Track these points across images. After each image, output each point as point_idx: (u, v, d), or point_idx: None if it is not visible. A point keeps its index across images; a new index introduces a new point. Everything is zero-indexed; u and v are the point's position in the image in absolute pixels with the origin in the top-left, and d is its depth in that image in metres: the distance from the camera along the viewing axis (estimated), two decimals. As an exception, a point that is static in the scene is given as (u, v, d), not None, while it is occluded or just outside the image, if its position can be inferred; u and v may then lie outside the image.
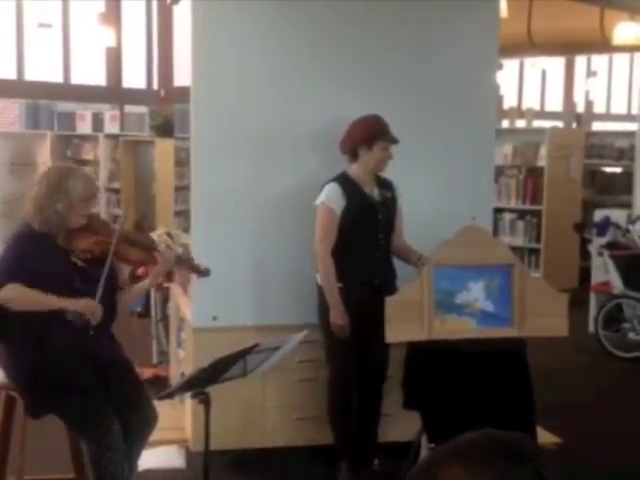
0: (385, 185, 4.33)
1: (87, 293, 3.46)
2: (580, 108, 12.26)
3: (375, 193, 4.28)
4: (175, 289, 5.46)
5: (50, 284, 3.44)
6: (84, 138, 11.22)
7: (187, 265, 3.85)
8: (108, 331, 3.69)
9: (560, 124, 11.83)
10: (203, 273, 3.85)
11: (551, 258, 9.26)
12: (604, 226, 7.57)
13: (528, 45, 11.14)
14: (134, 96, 13.90)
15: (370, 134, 4.17)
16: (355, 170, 4.24)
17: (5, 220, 8.94)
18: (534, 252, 9.42)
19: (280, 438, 4.73)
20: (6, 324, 3.47)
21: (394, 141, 4.24)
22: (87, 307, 3.41)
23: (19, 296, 3.38)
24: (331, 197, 4.18)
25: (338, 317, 4.16)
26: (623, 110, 21.72)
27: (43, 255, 3.49)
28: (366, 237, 4.21)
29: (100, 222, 3.78)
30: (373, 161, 4.21)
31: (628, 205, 8.59)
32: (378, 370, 4.37)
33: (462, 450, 1.19)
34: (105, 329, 3.62)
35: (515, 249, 7.75)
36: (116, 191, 10.58)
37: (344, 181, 4.22)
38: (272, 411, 4.71)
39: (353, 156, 4.24)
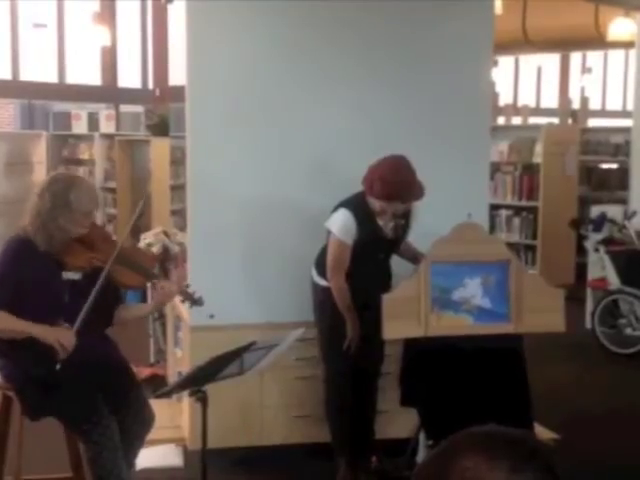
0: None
1: (75, 309, 3.42)
2: (575, 105, 12.25)
3: (389, 227, 4.20)
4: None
5: (39, 296, 3.43)
6: (80, 138, 11.21)
7: (187, 298, 3.80)
8: (102, 335, 3.69)
9: (555, 121, 11.82)
10: (197, 302, 3.78)
11: (547, 254, 9.27)
12: (600, 222, 7.58)
13: (523, 42, 11.16)
14: (129, 95, 13.91)
15: (389, 196, 4.04)
16: (372, 201, 4.12)
17: (1, 220, 8.94)
18: (530, 248, 9.43)
19: (278, 436, 4.73)
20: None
21: (413, 201, 4.18)
22: (57, 339, 3.33)
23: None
24: (344, 230, 4.09)
25: (356, 333, 4.16)
26: (618, 106, 21.76)
27: (36, 266, 3.45)
28: (367, 257, 4.19)
29: (100, 236, 3.65)
30: (389, 209, 4.13)
31: (624, 201, 8.60)
32: (373, 366, 4.37)
33: (479, 440, 1.20)
34: (99, 333, 3.64)
35: (511, 245, 7.74)
36: (112, 190, 10.58)
37: (359, 210, 4.11)
38: (270, 409, 4.71)
39: (371, 195, 4.14)
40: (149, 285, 5.25)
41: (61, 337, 3.34)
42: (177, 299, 4.15)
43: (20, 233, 3.51)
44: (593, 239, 7.54)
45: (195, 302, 3.76)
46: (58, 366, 3.34)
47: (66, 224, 3.46)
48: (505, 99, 16.03)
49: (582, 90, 20.63)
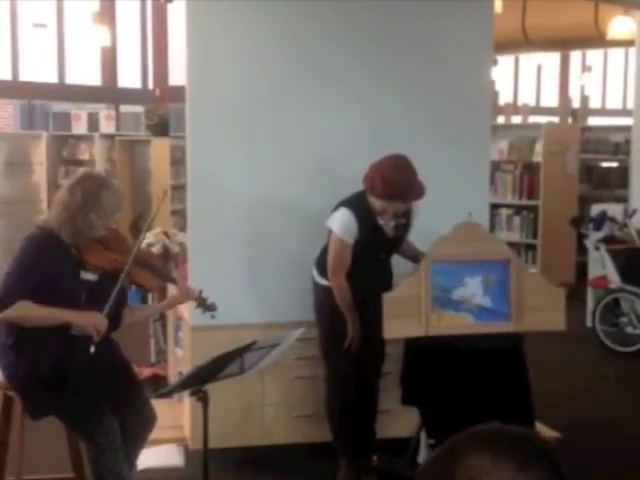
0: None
1: (91, 310, 3.44)
2: (575, 103, 12.25)
3: (389, 226, 4.20)
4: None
5: (57, 294, 3.43)
6: (80, 138, 11.20)
7: (201, 303, 3.80)
8: (106, 336, 3.69)
9: (556, 119, 11.81)
10: (210, 308, 3.77)
11: (548, 253, 9.27)
12: (600, 221, 7.59)
13: (523, 41, 11.15)
14: (129, 95, 13.89)
15: (390, 195, 4.04)
16: (373, 201, 4.13)
17: (2, 220, 8.94)
18: (531, 247, 9.43)
19: (279, 435, 4.73)
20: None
21: (414, 201, 4.17)
22: (93, 323, 3.38)
23: (31, 315, 3.37)
24: (345, 229, 4.09)
25: (357, 332, 4.17)
26: (618, 105, 21.74)
27: (58, 264, 3.46)
28: (367, 257, 4.19)
29: (117, 238, 3.70)
30: (389, 208, 4.13)
31: (624, 199, 8.61)
32: (374, 366, 4.37)
33: (484, 438, 1.20)
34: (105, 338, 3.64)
35: (512, 245, 7.74)
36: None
37: (360, 209, 4.11)
38: (270, 409, 4.71)
39: (372, 194, 4.13)
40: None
41: (94, 320, 3.38)
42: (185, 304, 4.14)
43: (42, 227, 3.53)
44: (594, 238, 7.54)
45: (208, 308, 3.75)
46: (92, 348, 3.38)
47: (96, 220, 3.50)
48: (505, 98, 16.02)
49: (582, 89, 20.61)
